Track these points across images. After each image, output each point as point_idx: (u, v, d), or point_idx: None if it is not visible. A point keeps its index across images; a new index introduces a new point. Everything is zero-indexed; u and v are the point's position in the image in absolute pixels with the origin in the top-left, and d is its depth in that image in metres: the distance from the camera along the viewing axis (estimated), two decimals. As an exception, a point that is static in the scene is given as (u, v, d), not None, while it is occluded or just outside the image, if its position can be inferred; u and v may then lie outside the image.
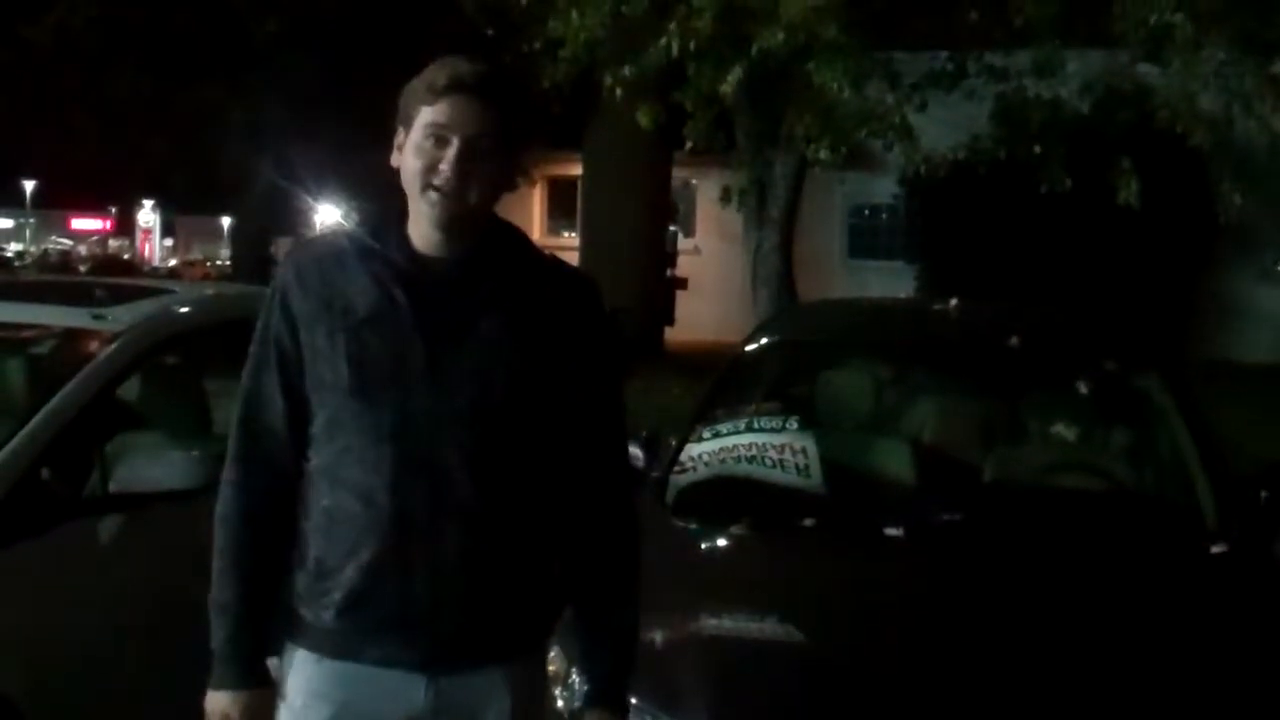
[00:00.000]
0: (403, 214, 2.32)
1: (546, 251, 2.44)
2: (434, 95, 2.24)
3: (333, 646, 2.31)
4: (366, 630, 2.28)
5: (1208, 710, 3.04)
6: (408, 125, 2.28)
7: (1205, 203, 12.99)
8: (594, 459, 2.39)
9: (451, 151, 2.22)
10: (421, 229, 2.29)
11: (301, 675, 2.34)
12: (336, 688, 2.31)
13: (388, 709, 2.30)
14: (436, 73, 2.26)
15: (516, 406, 2.29)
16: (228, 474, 2.36)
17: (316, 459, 2.31)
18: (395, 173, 2.32)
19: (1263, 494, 4.07)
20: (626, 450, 2.48)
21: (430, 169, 2.24)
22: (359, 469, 2.25)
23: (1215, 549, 3.85)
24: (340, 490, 2.27)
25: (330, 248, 2.35)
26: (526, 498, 2.32)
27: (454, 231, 2.27)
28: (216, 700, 2.34)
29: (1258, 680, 3.14)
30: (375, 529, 2.25)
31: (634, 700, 3.04)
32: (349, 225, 2.41)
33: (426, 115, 2.24)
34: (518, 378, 2.28)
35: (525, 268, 2.35)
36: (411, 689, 2.29)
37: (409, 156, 2.27)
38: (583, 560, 2.40)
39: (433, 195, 2.24)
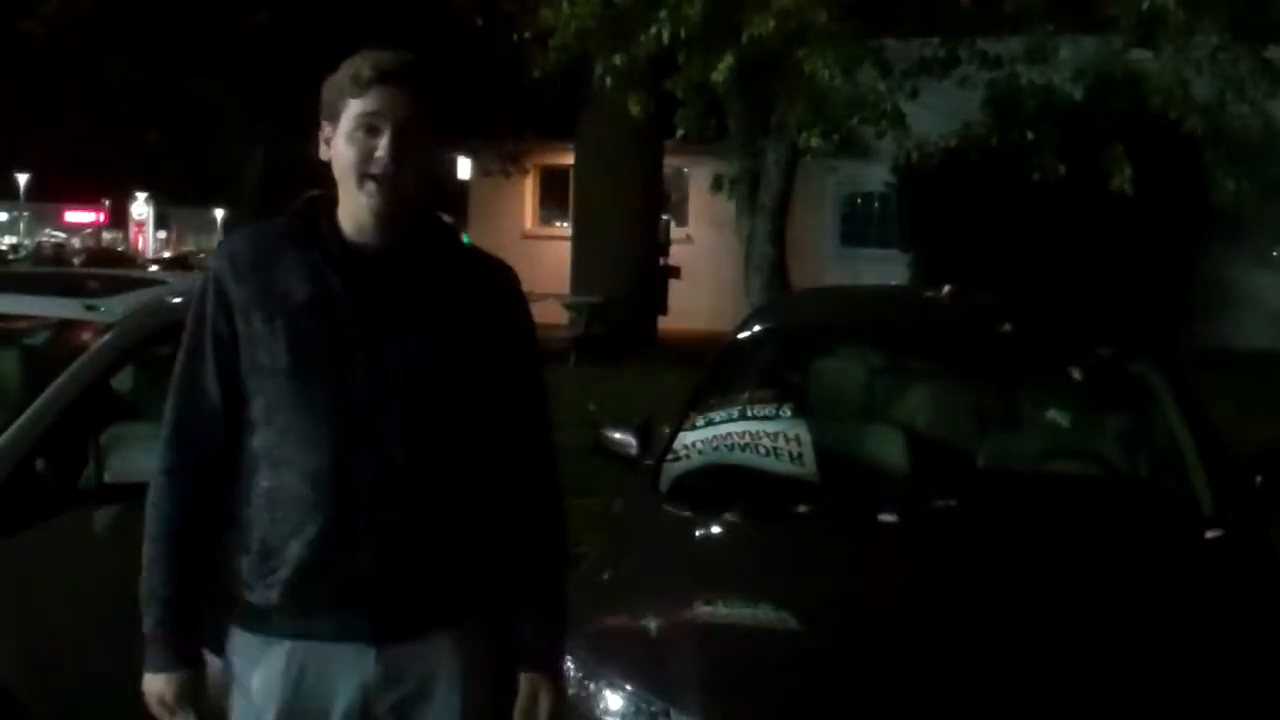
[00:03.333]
0: (333, 204, 2.39)
1: (468, 242, 2.59)
2: (361, 86, 2.31)
3: (281, 627, 2.37)
4: (314, 606, 2.35)
5: (1204, 695, 3.05)
6: (334, 119, 2.35)
7: (1199, 189, 13.02)
8: (519, 434, 2.49)
9: (385, 139, 2.30)
10: (356, 218, 2.37)
11: (252, 660, 2.40)
12: (290, 668, 2.37)
13: (340, 682, 2.37)
14: (360, 64, 2.33)
15: (448, 386, 2.39)
16: (160, 461, 2.42)
17: (256, 441, 2.37)
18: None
19: (1258, 479, 4.07)
20: (549, 425, 2.56)
21: (365, 158, 2.31)
22: (300, 449, 2.33)
23: (1210, 534, 3.86)
24: (282, 470, 2.34)
25: (265, 237, 2.43)
26: (460, 471, 2.41)
27: (389, 220, 2.36)
28: (153, 682, 2.41)
29: (1253, 664, 3.15)
30: (318, 507, 2.32)
31: (629, 686, 3.06)
32: (281, 216, 2.48)
33: (356, 107, 2.32)
34: (449, 359, 2.38)
35: (452, 256, 2.46)
36: (362, 660, 2.36)
37: (341, 148, 2.34)
38: (512, 531, 2.48)
39: (370, 185, 2.32)
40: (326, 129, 2.37)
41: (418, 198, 2.39)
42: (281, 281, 2.35)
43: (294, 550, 2.33)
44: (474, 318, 2.42)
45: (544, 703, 2.48)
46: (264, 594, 2.37)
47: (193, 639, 2.42)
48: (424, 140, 2.35)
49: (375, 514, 2.34)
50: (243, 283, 2.36)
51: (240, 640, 2.42)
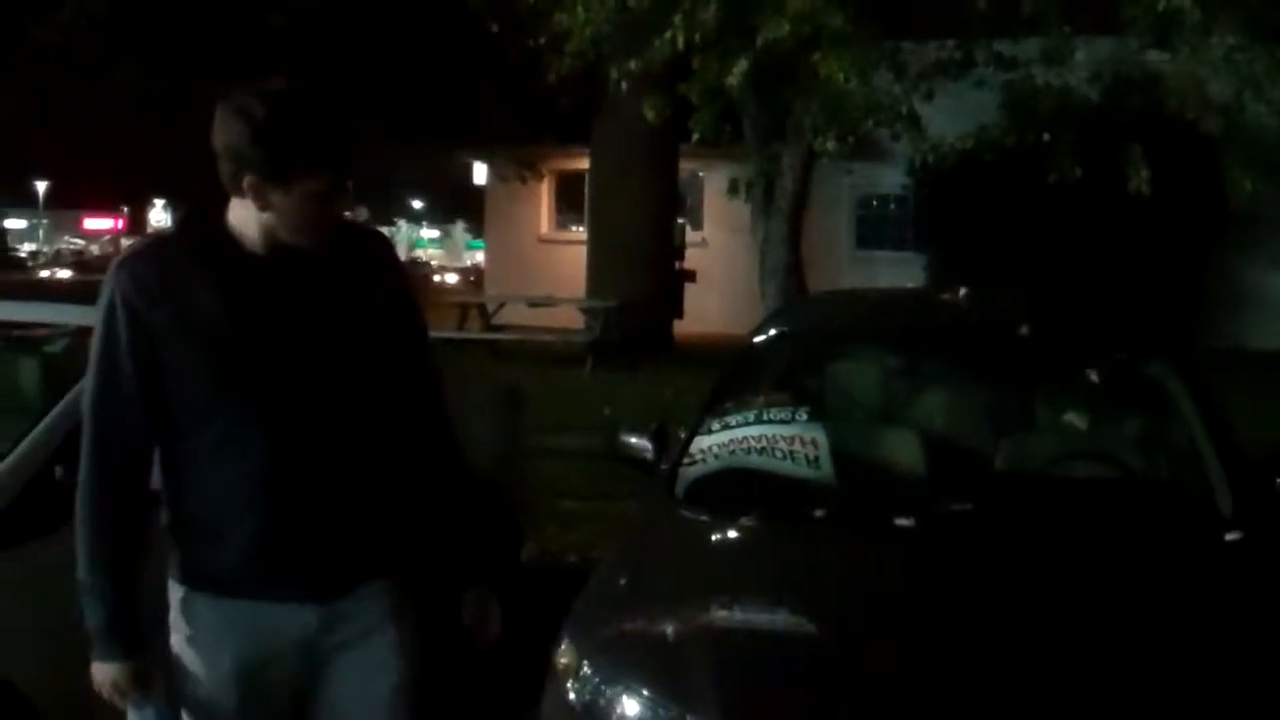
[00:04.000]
0: (218, 215, 2.56)
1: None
2: (319, 162, 2.51)
3: (233, 590, 2.62)
4: (260, 577, 2.61)
5: (1223, 698, 3.03)
6: (274, 176, 2.52)
7: (1216, 189, 12.96)
8: (416, 385, 2.77)
9: (330, 206, 2.54)
10: (265, 241, 2.54)
11: (201, 613, 2.64)
12: (238, 621, 2.63)
13: (285, 633, 2.64)
14: (312, 130, 2.50)
15: (359, 360, 2.63)
16: (83, 471, 2.59)
17: (189, 444, 2.57)
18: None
19: (1277, 481, 4.04)
20: (436, 371, 2.83)
21: (316, 223, 2.54)
22: (236, 450, 2.54)
23: (1230, 536, 3.83)
24: (222, 470, 2.55)
25: (164, 255, 2.58)
26: (377, 440, 2.68)
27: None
28: (104, 671, 2.63)
29: (1273, 667, 3.13)
30: (259, 498, 2.56)
31: (645, 692, 3.06)
32: (172, 229, 2.71)
33: (311, 184, 2.49)
34: (356, 336, 2.62)
35: (334, 240, 2.62)
36: (304, 614, 2.65)
37: (287, 207, 2.51)
38: (420, 478, 2.79)
39: (306, 234, 2.54)
40: (242, 173, 2.49)
41: None
42: (195, 302, 2.51)
43: (239, 536, 2.57)
44: (366, 288, 2.65)
45: (491, 611, 2.86)
46: (212, 568, 2.61)
47: (135, 629, 2.63)
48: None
49: (310, 499, 2.59)
50: (155, 308, 2.51)
51: (187, 597, 2.65)
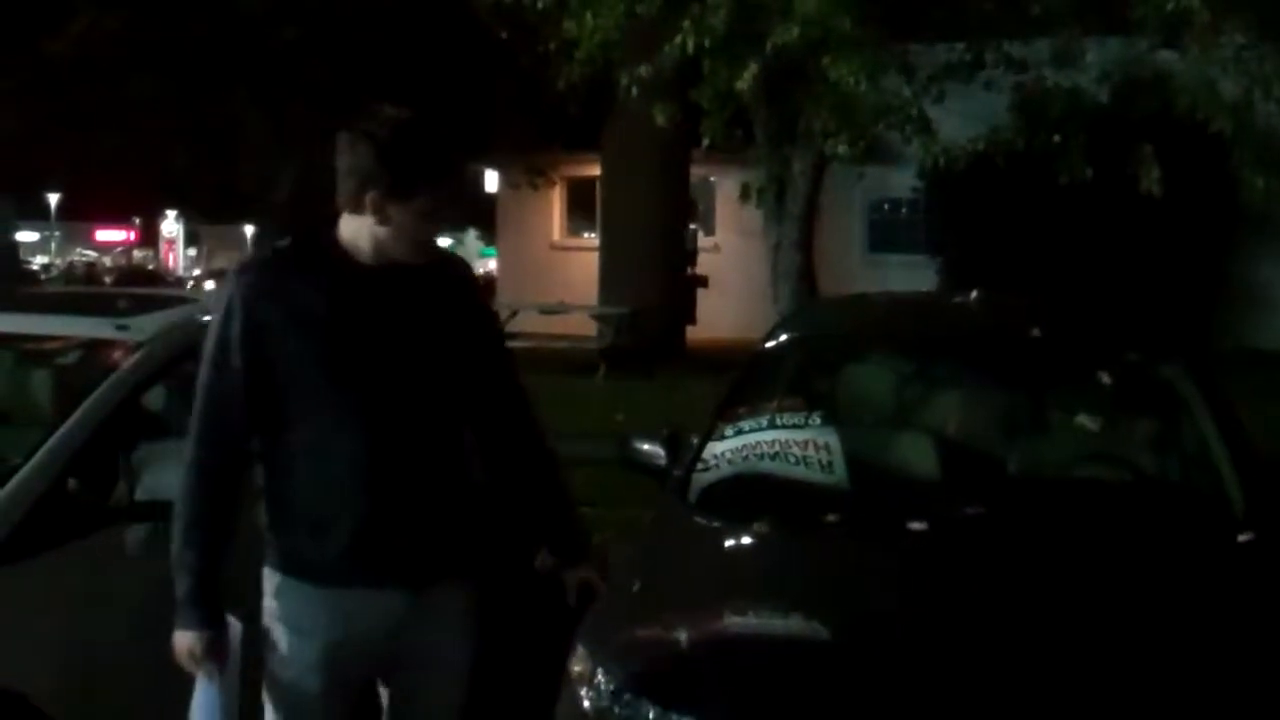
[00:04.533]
0: (327, 230, 2.88)
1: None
2: (433, 184, 2.85)
3: (328, 577, 2.86)
4: (367, 563, 2.85)
5: (1237, 698, 3.02)
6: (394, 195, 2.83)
7: (1228, 189, 12.91)
8: (503, 396, 3.06)
9: (434, 222, 2.86)
10: (372, 250, 2.84)
11: (300, 601, 2.89)
12: (331, 608, 2.87)
13: (373, 621, 2.89)
14: (426, 152, 2.83)
15: (452, 370, 2.92)
16: (189, 454, 2.88)
17: (293, 436, 2.84)
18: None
19: (1290, 481, 4.04)
20: (521, 386, 3.12)
21: (425, 240, 2.87)
22: (340, 441, 2.81)
23: (1242, 537, 3.83)
24: (327, 460, 2.82)
25: (279, 264, 2.91)
26: (463, 438, 2.97)
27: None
28: (182, 639, 2.88)
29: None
30: (364, 488, 2.82)
31: (658, 698, 3.05)
32: (288, 242, 2.99)
33: (422, 201, 2.81)
34: (445, 343, 2.90)
35: (430, 261, 2.93)
36: (395, 603, 2.89)
37: (405, 224, 2.82)
38: (520, 474, 3.08)
39: (416, 248, 2.85)
40: (366, 192, 2.81)
41: None
42: (305, 302, 2.80)
43: (345, 525, 2.83)
44: (452, 303, 2.95)
45: (594, 582, 3.15)
46: (319, 555, 2.85)
47: (217, 604, 2.89)
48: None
49: (408, 489, 2.84)
50: (271, 307, 2.80)
51: (286, 584, 2.90)
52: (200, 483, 2.86)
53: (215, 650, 2.89)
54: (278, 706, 2.96)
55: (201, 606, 2.87)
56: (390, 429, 2.81)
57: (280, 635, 2.91)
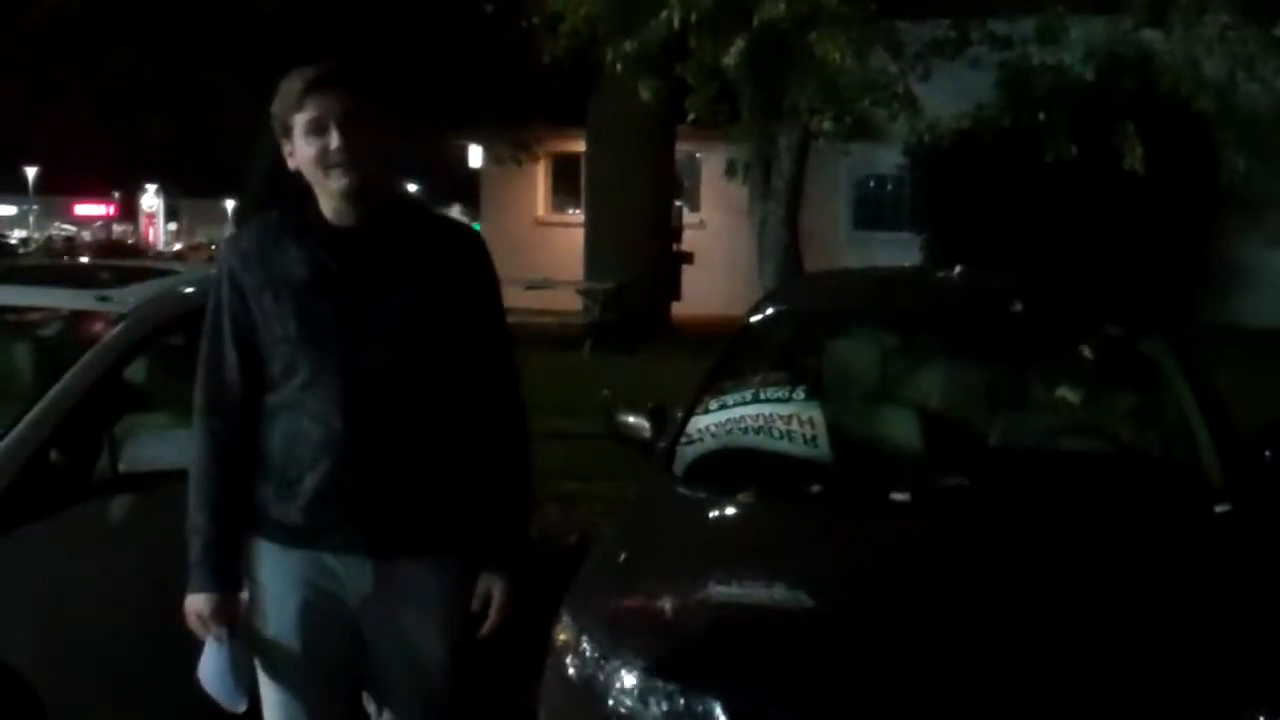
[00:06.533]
0: (314, 199, 2.88)
1: (434, 211, 3.14)
2: (300, 100, 2.80)
3: (297, 538, 2.88)
4: (326, 526, 2.86)
5: (1215, 668, 3.05)
6: (289, 134, 2.84)
7: (1210, 168, 12.96)
8: (489, 370, 2.98)
9: (333, 134, 2.78)
10: (332, 206, 2.85)
11: (271, 563, 2.91)
12: (304, 571, 2.89)
13: (345, 588, 2.89)
14: (293, 83, 2.82)
15: (431, 336, 2.87)
16: (196, 423, 2.93)
17: (274, 397, 2.88)
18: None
19: (1267, 454, 4.07)
20: (513, 361, 3.06)
21: (321, 154, 2.79)
22: (315, 399, 2.82)
23: (1220, 508, 3.86)
24: (298, 417, 2.85)
25: (265, 230, 2.93)
26: (443, 410, 2.90)
27: (358, 200, 2.83)
28: (193, 601, 2.92)
29: (1263, 637, 3.15)
30: (329, 447, 2.82)
31: (644, 666, 3.07)
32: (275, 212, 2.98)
33: (301, 117, 2.80)
34: (430, 313, 2.86)
35: (423, 226, 2.95)
36: (362, 573, 2.88)
37: (301, 153, 2.82)
38: (489, 447, 2.97)
39: (334, 172, 2.79)
40: (286, 145, 2.86)
41: (379, 176, 2.87)
42: (284, 265, 2.85)
43: (309, 482, 2.84)
44: (446, 274, 2.89)
45: (497, 597, 2.95)
46: (285, 512, 2.87)
47: (229, 567, 2.92)
48: (365, 127, 2.80)
49: (376, 451, 2.83)
50: (252, 271, 2.86)
51: (262, 548, 2.92)
52: (208, 447, 2.91)
53: (225, 613, 2.91)
54: (265, 670, 2.98)
55: (212, 569, 2.90)
56: (363, 392, 2.82)
57: (258, 600, 2.94)
